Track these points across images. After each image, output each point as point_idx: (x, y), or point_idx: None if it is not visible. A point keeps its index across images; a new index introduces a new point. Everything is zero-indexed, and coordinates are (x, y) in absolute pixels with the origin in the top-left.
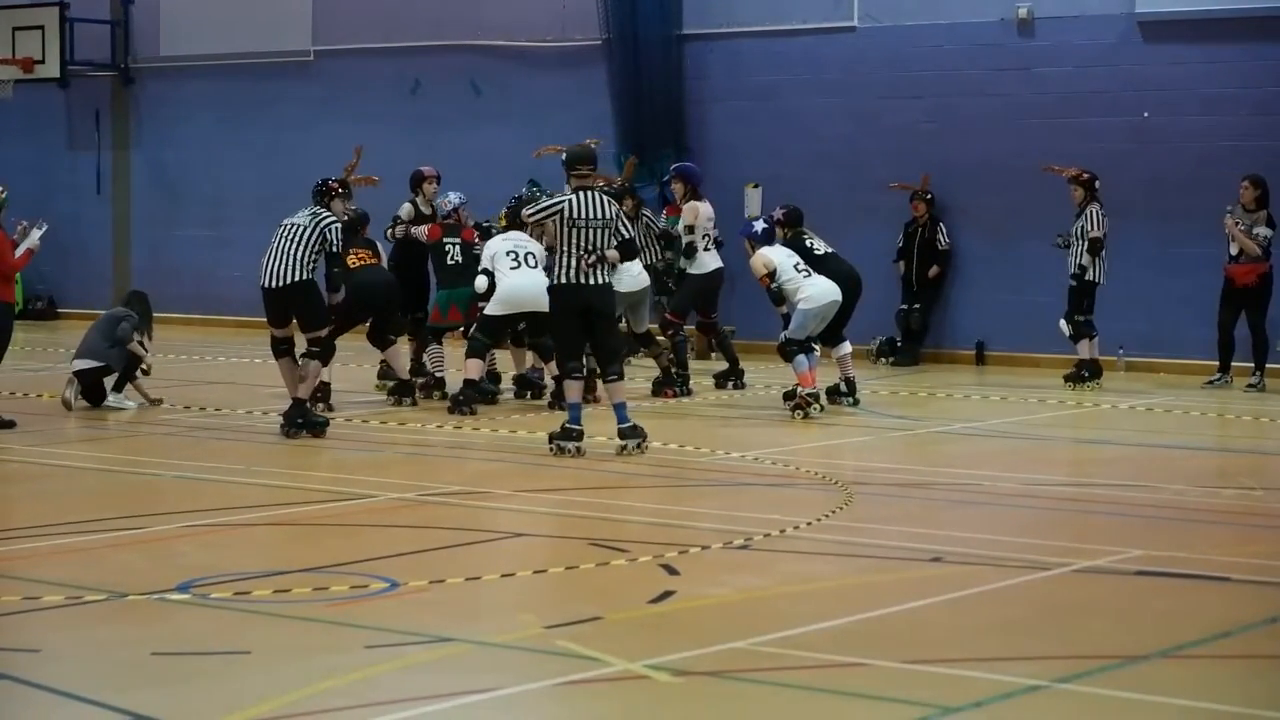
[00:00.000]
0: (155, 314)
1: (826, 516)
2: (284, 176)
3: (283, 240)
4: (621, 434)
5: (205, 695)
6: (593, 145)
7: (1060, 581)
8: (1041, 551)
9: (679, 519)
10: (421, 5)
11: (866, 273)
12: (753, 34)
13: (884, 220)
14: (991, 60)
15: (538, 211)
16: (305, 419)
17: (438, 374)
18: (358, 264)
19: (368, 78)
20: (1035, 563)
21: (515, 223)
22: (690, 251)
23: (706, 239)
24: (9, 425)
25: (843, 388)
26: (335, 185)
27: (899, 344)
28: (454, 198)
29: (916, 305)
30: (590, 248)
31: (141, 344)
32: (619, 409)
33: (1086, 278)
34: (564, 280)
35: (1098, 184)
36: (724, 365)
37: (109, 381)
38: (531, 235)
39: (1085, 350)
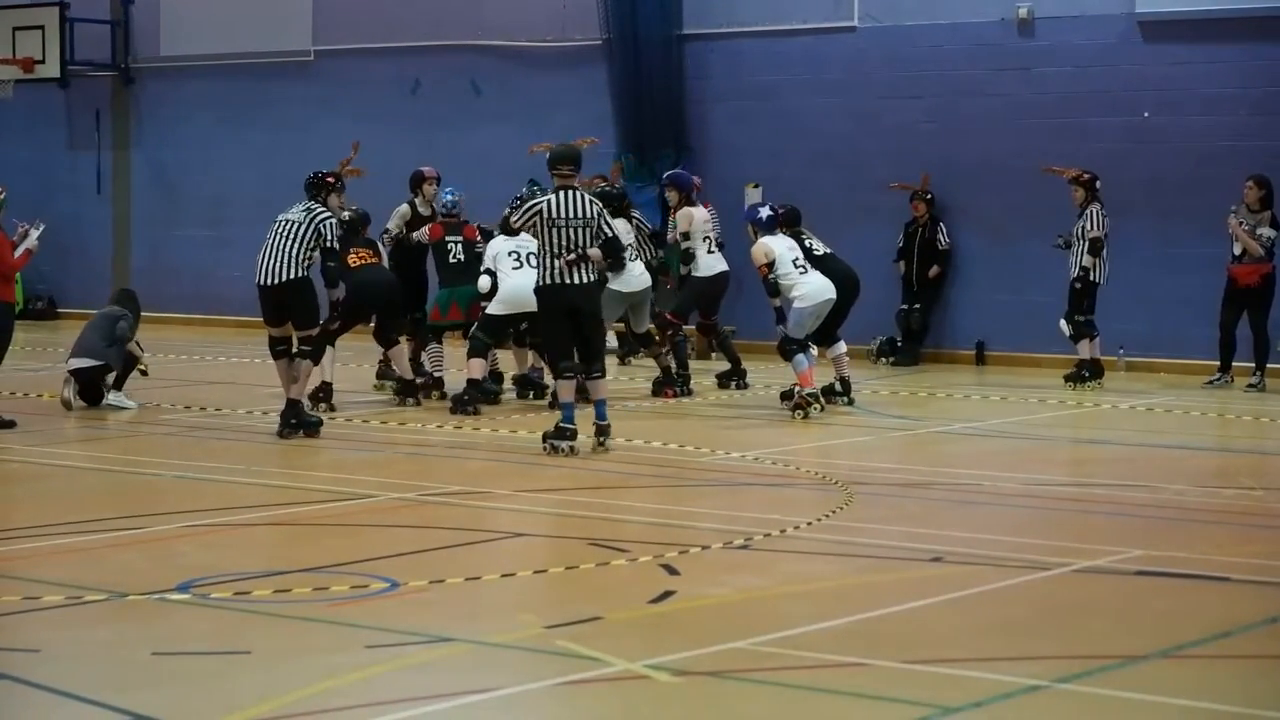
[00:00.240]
0: (156, 314)
1: (826, 516)
2: (284, 176)
3: (278, 237)
4: (598, 430)
5: (205, 695)
6: (583, 144)
7: (1060, 581)
8: (1041, 551)
9: (679, 519)
10: (421, 5)
11: (866, 273)
12: (753, 34)
13: (884, 220)
14: (991, 60)
15: (520, 216)
16: (299, 419)
17: (436, 374)
18: (359, 263)
19: (368, 78)
20: (1035, 563)
21: (507, 230)
22: (689, 258)
23: (708, 241)
24: (9, 425)
25: (838, 387)
26: (329, 179)
27: (899, 344)
28: (449, 195)
29: (916, 305)
30: (570, 247)
31: (137, 343)
32: (599, 405)
33: (1089, 278)
34: (548, 281)
35: (1098, 184)
36: (724, 365)
37: (107, 381)
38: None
39: (1086, 350)
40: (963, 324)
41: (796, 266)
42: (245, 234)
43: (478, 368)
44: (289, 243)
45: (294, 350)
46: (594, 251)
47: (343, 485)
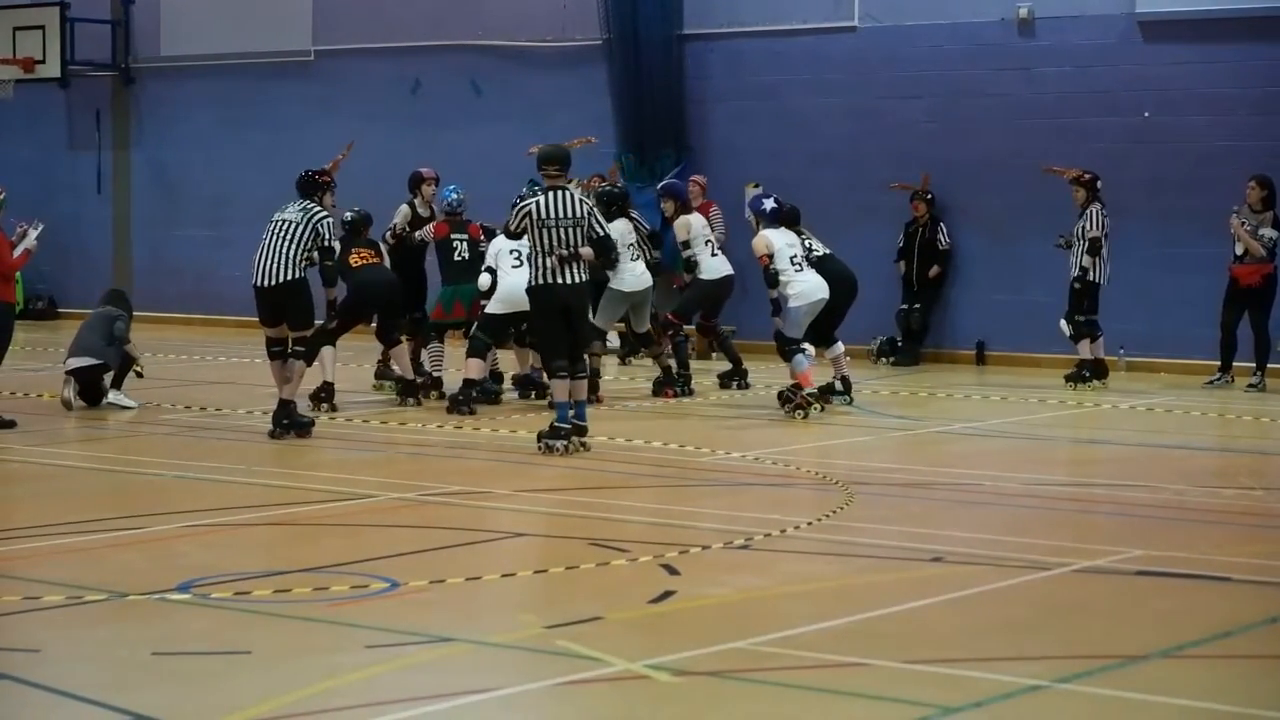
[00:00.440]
0: (156, 314)
1: (826, 516)
2: (284, 176)
3: (274, 238)
4: (575, 430)
5: (205, 695)
6: (578, 144)
7: (1060, 581)
8: (1041, 551)
9: (679, 519)
10: (421, 5)
11: (866, 273)
12: (753, 34)
13: (884, 220)
14: (991, 60)
15: (513, 219)
16: (291, 419)
17: (435, 374)
18: (360, 263)
19: (368, 78)
20: (1035, 563)
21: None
22: (691, 266)
23: (710, 245)
24: (9, 425)
25: (838, 386)
26: (325, 178)
27: (899, 344)
28: (453, 193)
29: (917, 305)
30: (562, 246)
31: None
32: (580, 406)
33: (1089, 278)
34: (540, 281)
35: (1099, 184)
36: (725, 365)
37: (105, 382)
38: None
39: (1086, 350)
40: (963, 324)
41: (793, 264)
42: (245, 234)
43: (475, 368)
44: (286, 244)
45: (289, 350)
46: (585, 250)
47: (343, 485)
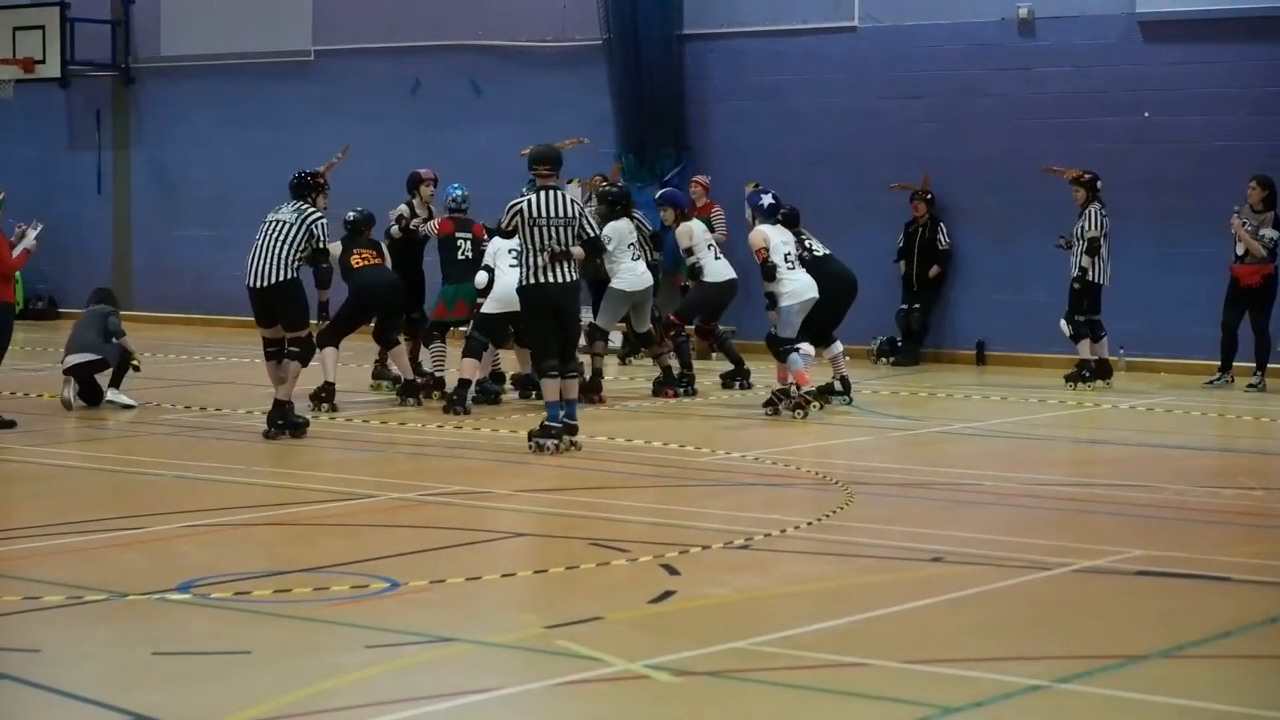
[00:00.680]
0: (156, 314)
1: (826, 516)
2: (284, 176)
3: (268, 239)
4: (566, 429)
5: (205, 695)
6: (569, 144)
7: (1060, 581)
8: (1041, 551)
9: (679, 519)
10: (421, 5)
11: (866, 273)
12: (753, 34)
13: (884, 220)
14: (991, 60)
15: (504, 217)
16: (286, 420)
17: (437, 373)
18: (361, 264)
19: (368, 78)
20: (1035, 563)
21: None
22: (695, 272)
23: (713, 249)
24: (9, 425)
25: (837, 386)
26: (319, 180)
27: (899, 344)
28: (457, 190)
29: (916, 305)
30: (552, 245)
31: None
32: (570, 405)
33: (1088, 278)
34: (530, 280)
35: (1099, 184)
36: (725, 365)
37: (104, 381)
38: None
39: (1085, 350)
40: (963, 324)
41: (786, 261)
42: (245, 234)
43: (470, 368)
44: (279, 245)
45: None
46: (576, 250)
47: (343, 485)
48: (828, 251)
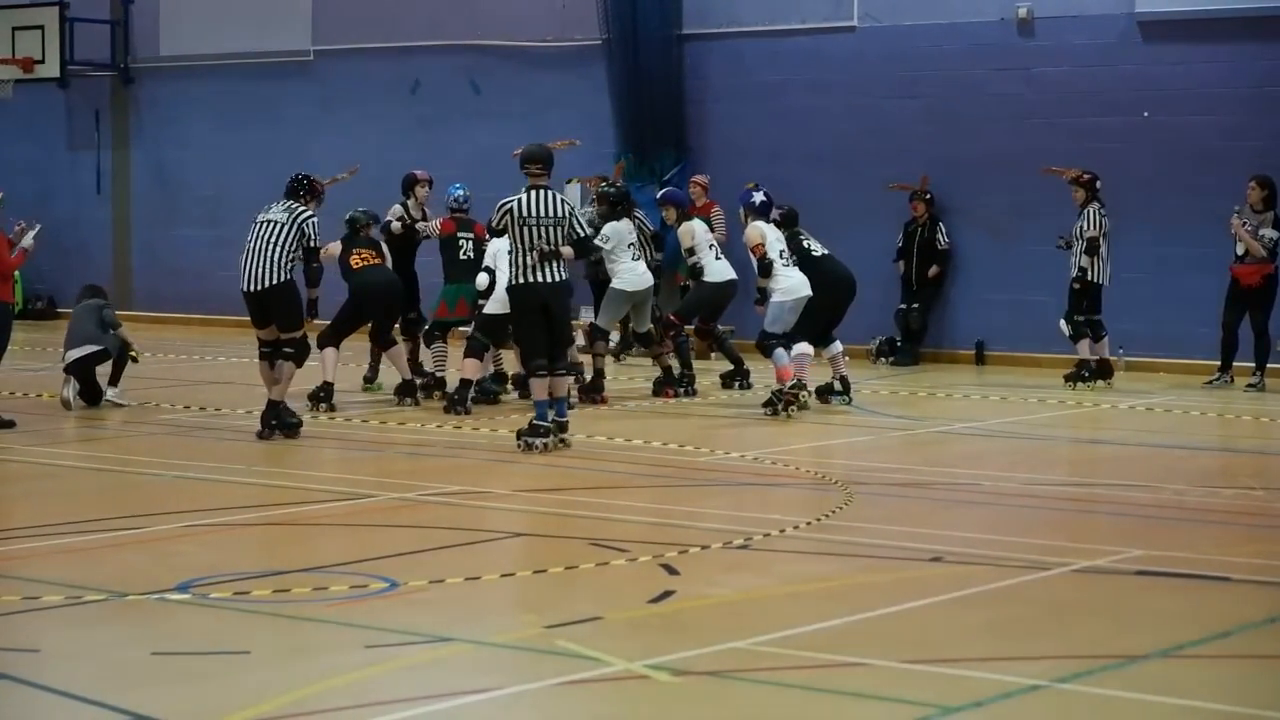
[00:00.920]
0: (156, 314)
1: (826, 516)
2: (284, 176)
3: (259, 241)
4: (558, 426)
5: (205, 695)
6: (561, 145)
7: (1060, 581)
8: (1041, 551)
9: (679, 519)
10: (421, 5)
11: (866, 273)
12: (753, 34)
13: (884, 220)
14: (991, 60)
15: (494, 217)
16: (279, 420)
17: (438, 374)
18: (361, 264)
19: (368, 78)
20: (1035, 563)
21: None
22: (697, 272)
23: (714, 249)
24: (9, 425)
25: (837, 386)
26: (319, 188)
27: (899, 344)
28: (459, 190)
29: (916, 305)
30: (541, 244)
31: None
32: (560, 404)
33: (1088, 278)
34: (520, 280)
35: (1099, 184)
36: (725, 365)
37: (103, 380)
38: None
39: (1085, 350)
40: (962, 324)
41: (781, 258)
42: (244, 234)
43: (471, 368)
44: (271, 246)
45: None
46: (566, 250)
47: (342, 485)
48: (826, 251)
